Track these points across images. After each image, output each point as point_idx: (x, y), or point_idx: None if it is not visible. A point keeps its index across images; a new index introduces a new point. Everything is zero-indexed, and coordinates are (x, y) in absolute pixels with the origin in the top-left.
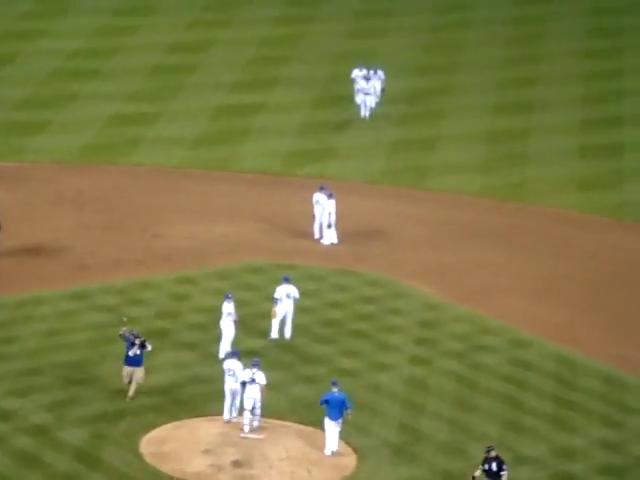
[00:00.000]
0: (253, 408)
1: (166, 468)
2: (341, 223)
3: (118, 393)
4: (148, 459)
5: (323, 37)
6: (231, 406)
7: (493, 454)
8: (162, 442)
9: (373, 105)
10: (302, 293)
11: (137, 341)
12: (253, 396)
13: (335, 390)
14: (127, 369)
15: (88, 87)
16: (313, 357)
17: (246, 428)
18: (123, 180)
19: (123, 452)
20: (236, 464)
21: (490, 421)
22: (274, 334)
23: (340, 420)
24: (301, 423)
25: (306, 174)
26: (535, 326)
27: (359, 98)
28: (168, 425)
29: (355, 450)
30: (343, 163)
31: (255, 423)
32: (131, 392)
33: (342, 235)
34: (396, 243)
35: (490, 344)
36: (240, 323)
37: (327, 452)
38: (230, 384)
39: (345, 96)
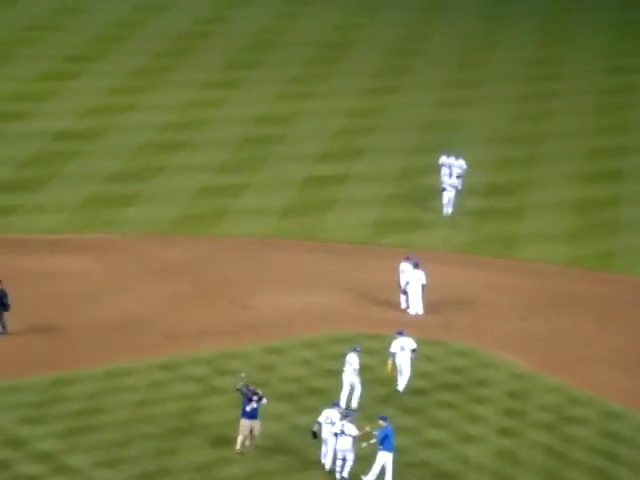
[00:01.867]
0: (344, 459)
1: None
2: (428, 293)
3: (208, 464)
4: None
5: (409, 107)
6: (326, 453)
7: None
8: None
9: (453, 199)
10: (386, 364)
11: (255, 397)
12: (343, 447)
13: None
14: (245, 422)
15: (177, 159)
16: (400, 428)
17: (337, 475)
18: (211, 251)
19: None
20: None
21: None
22: (399, 387)
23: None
24: None
25: (392, 243)
26: (626, 397)
27: (445, 185)
28: None
29: None
30: (429, 232)
31: (345, 475)
32: (248, 442)
33: (429, 305)
34: (483, 313)
35: (580, 415)
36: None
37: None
38: (327, 433)
39: (431, 166)
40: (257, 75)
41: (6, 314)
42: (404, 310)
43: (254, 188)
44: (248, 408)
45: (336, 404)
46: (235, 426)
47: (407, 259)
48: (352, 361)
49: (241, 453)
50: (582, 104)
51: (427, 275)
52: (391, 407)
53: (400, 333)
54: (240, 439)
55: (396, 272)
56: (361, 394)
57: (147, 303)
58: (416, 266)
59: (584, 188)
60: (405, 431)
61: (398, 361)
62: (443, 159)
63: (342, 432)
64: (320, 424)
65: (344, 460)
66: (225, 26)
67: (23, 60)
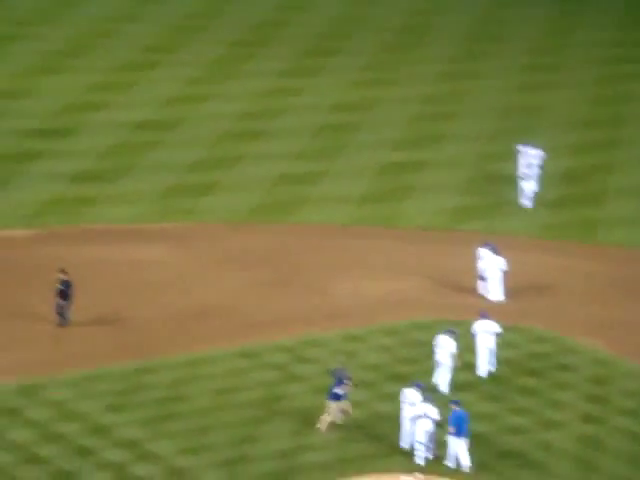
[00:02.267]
0: (426, 442)
1: None
2: (507, 279)
3: (289, 451)
4: None
5: (487, 92)
6: (407, 435)
7: None
8: None
9: (532, 192)
10: (469, 349)
11: (348, 381)
12: (425, 430)
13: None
14: (334, 404)
15: (254, 148)
16: (480, 414)
17: (419, 460)
18: (290, 239)
19: None
20: None
21: None
22: (480, 372)
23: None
24: None
25: (470, 229)
26: None
27: (525, 174)
28: None
29: None
30: (508, 218)
31: (429, 455)
32: (340, 419)
33: (508, 291)
34: (564, 298)
35: None
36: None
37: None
38: (409, 413)
39: (509, 152)
40: (333, 63)
41: (69, 305)
42: (483, 296)
43: (332, 176)
44: (340, 391)
45: (417, 385)
46: (316, 413)
47: (486, 245)
48: (446, 344)
49: (323, 431)
50: None
51: (506, 261)
52: (472, 393)
53: (484, 316)
54: (326, 418)
55: (475, 258)
56: (451, 378)
57: (227, 291)
58: (495, 252)
59: None
60: (486, 417)
61: (479, 343)
62: (520, 147)
63: (425, 414)
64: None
65: (426, 442)
66: (301, 14)
67: (102, 51)
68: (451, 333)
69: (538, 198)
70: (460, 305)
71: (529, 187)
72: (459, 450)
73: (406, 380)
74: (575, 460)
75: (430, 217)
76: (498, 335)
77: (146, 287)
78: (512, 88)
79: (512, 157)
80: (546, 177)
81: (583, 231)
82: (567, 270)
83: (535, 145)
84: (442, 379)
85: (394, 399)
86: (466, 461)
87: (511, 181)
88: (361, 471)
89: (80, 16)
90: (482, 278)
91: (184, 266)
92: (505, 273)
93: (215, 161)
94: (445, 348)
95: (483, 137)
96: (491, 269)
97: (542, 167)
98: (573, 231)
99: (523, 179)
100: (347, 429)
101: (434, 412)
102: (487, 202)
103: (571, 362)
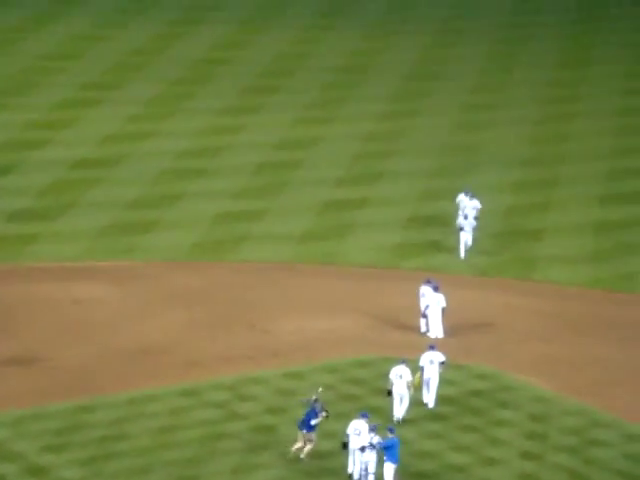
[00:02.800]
0: (367, 470)
1: None
2: (448, 316)
3: None
4: None
5: (427, 130)
6: (354, 464)
7: None
8: None
9: (470, 243)
10: (409, 387)
11: (324, 413)
12: (368, 460)
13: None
14: (305, 434)
15: (196, 185)
16: (422, 452)
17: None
18: (231, 276)
19: None
20: None
21: None
22: (427, 402)
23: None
24: None
25: (411, 267)
26: None
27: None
28: None
29: None
30: (449, 256)
31: None
32: (306, 452)
33: (449, 328)
34: (504, 335)
35: (603, 438)
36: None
37: None
38: (355, 444)
39: (450, 189)
40: (275, 101)
41: None
42: (424, 334)
43: (273, 213)
44: (313, 422)
45: (363, 415)
46: (257, 450)
47: (427, 282)
48: (403, 373)
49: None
50: (601, 125)
51: (447, 298)
52: (413, 431)
53: (432, 347)
54: (308, 448)
55: (416, 295)
56: (408, 408)
57: (168, 330)
58: (436, 289)
59: (604, 209)
60: (428, 455)
61: (426, 375)
62: (460, 197)
63: (371, 445)
64: (348, 436)
65: (367, 471)
66: (242, 52)
67: (42, 89)
68: (405, 363)
69: (478, 235)
70: (402, 342)
71: (464, 238)
72: (386, 473)
73: (348, 417)
74: None
75: (371, 254)
76: (442, 364)
77: (86, 325)
78: (452, 126)
79: (452, 195)
80: (487, 214)
81: (523, 269)
82: (507, 307)
83: (473, 194)
84: (401, 409)
85: (334, 437)
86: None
87: (452, 218)
88: None
89: (20, 54)
90: (423, 315)
91: (124, 304)
92: (445, 310)
93: (156, 199)
94: (403, 378)
95: (423, 175)
96: (432, 306)
97: (478, 218)
98: (513, 269)
99: (460, 230)
100: (286, 472)
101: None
102: (427, 240)
103: (511, 399)
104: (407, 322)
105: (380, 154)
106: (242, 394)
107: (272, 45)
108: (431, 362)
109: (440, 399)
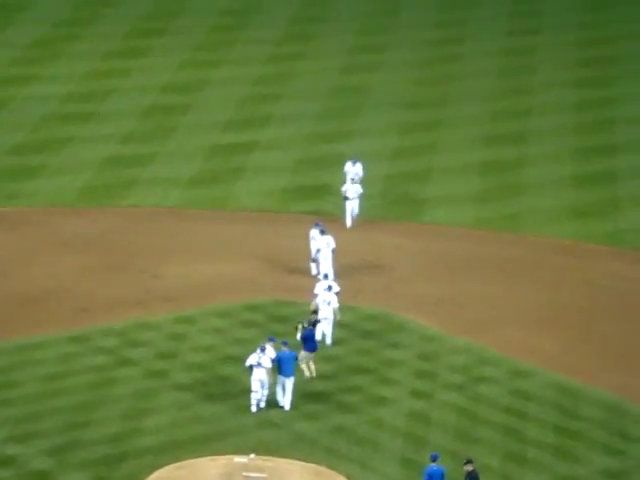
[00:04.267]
0: (262, 389)
1: None
2: (338, 258)
3: (119, 436)
4: None
5: (315, 73)
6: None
7: (470, 468)
8: None
9: (356, 211)
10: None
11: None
12: (259, 378)
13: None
14: (306, 354)
15: (83, 130)
16: (314, 394)
17: (253, 408)
18: (120, 222)
19: None
20: None
21: (492, 453)
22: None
23: None
24: (304, 460)
25: (301, 210)
26: (534, 356)
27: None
28: (170, 466)
29: None
30: (337, 199)
31: (262, 405)
32: (313, 373)
33: (339, 270)
34: (393, 276)
35: (490, 375)
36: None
37: None
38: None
39: (341, 132)
40: (161, 44)
41: None
42: (315, 277)
43: (162, 158)
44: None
45: (270, 339)
46: (148, 397)
47: (316, 225)
48: (330, 299)
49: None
50: (485, 66)
51: (337, 241)
52: (303, 374)
53: (325, 280)
54: (312, 367)
55: (306, 239)
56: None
57: (58, 275)
58: (323, 232)
59: (489, 150)
60: (319, 396)
61: (322, 315)
62: (348, 167)
63: (259, 364)
64: (251, 366)
65: (262, 390)
66: None
67: None
68: (331, 288)
69: (366, 181)
70: (293, 285)
71: (350, 207)
72: (287, 388)
73: (238, 361)
74: (405, 436)
75: (261, 198)
76: (333, 251)
77: None
78: (339, 69)
79: (341, 138)
80: (373, 157)
81: (410, 210)
82: (395, 249)
83: (357, 159)
84: (327, 331)
85: (227, 381)
86: (288, 401)
87: (341, 161)
88: (194, 454)
89: None
90: (313, 259)
91: (11, 250)
92: (335, 253)
93: (41, 144)
94: (331, 305)
95: (312, 118)
96: (322, 249)
97: (363, 181)
98: (400, 210)
99: (345, 200)
100: (177, 414)
101: (267, 362)
102: (317, 183)
103: (400, 339)
104: (298, 265)
105: (268, 97)
106: (133, 340)
107: None
108: (328, 303)
109: (332, 340)
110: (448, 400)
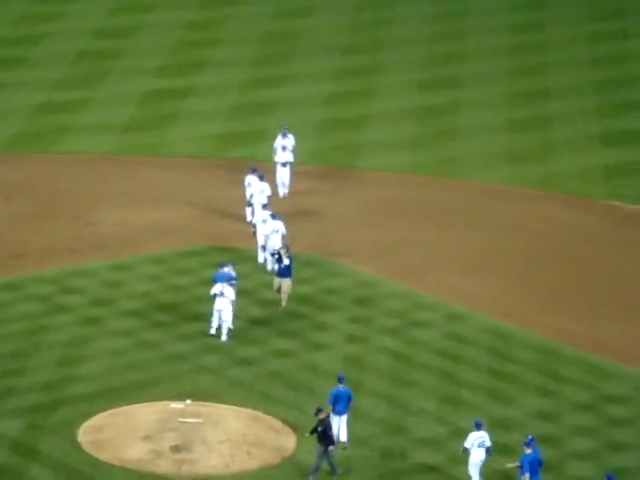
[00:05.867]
0: (220, 319)
1: (104, 456)
2: (273, 205)
3: (53, 383)
4: (86, 448)
5: (249, 18)
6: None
7: (321, 416)
8: (99, 430)
9: (288, 182)
10: (238, 275)
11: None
12: (219, 308)
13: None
14: (277, 280)
15: (13, 75)
16: (249, 339)
17: (212, 331)
18: (52, 168)
19: (60, 442)
20: (175, 449)
21: (427, 396)
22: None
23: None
24: (240, 405)
25: (236, 156)
26: (469, 300)
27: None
28: (105, 413)
29: (295, 430)
30: (272, 144)
31: (223, 339)
32: (284, 302)
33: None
34: (329, 223)
35: (425, 319)
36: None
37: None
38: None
39: (276, 77)
40: None
41: None
42: (250, 222)
43: (94, 103)
44: (282, 266)
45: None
46: (83, 344)
47: (253, 171)
48: (279, 228)
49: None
50: (420, 10)
51: (272, 187)
52: (240, 319)
53: (273, 216)
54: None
55: (242, 185)
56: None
57: None
58: (261, 178)
59: (424, 96)
60: (254, 341)
61: (272, 243)
62: (278, 140)
63: (221, 294)
64: (215, 295)
65: (221, 320)
66: None
67: None
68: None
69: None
70: (228, 232)
71: (280, 173)
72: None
73: (174, 309)
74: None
75: (195, 144)
76: (284, 237)
77: None
78: (273, 13)
79: (278, 83)
80: (309, 102)
81: (346, 156)
82: (331, 195)
83: (288, 130)
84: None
85: (162, 327)
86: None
87: (276, 107)
88: (130, 401)
89: None
90: (249, 204)
91: None
92: (271, 199)
93: None
94: (279, 232)
95: (246, 63)
96: (257, 195)
97: (294, 151)
98: (336, 156)
99: (277, 170)
100: (113, 360)
101: (231, 292)
102: (252, 129)
103: (336, 285)
104: (233, 212)
105: (202, 42)
106: (66, 287)
107: None
108: (277, 231)
109: (267, 285)
110: (383, 344)
